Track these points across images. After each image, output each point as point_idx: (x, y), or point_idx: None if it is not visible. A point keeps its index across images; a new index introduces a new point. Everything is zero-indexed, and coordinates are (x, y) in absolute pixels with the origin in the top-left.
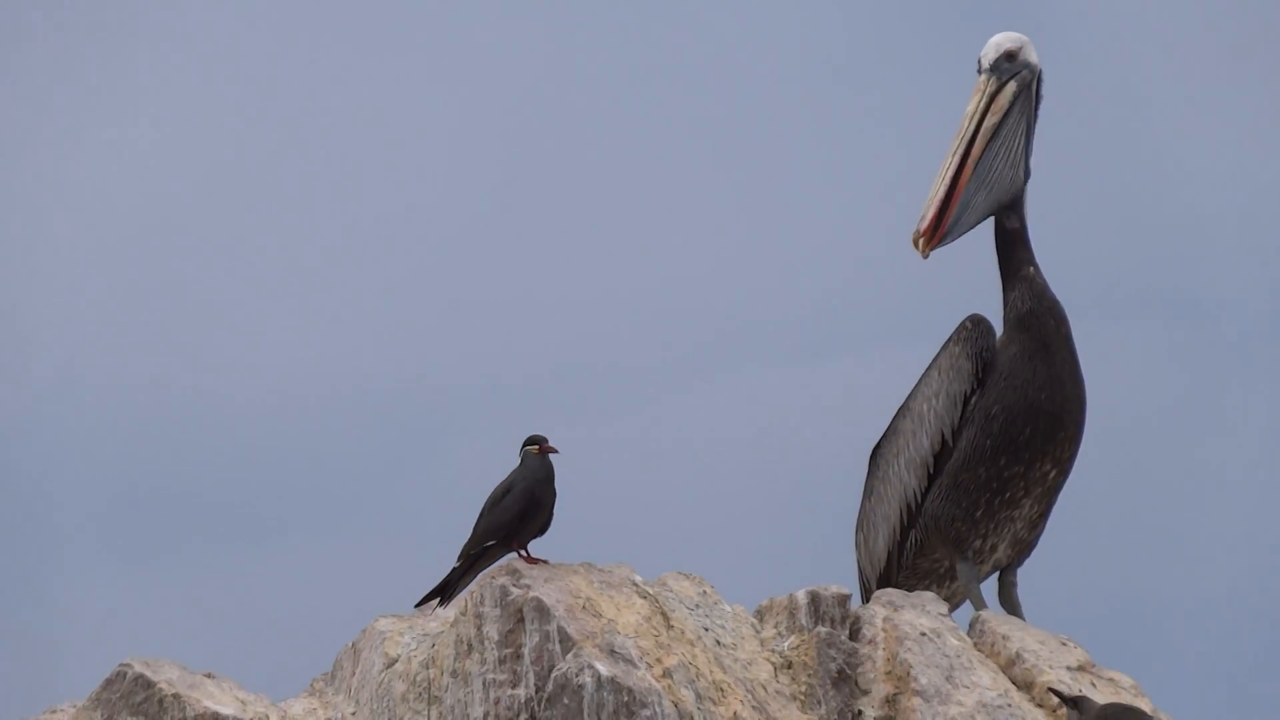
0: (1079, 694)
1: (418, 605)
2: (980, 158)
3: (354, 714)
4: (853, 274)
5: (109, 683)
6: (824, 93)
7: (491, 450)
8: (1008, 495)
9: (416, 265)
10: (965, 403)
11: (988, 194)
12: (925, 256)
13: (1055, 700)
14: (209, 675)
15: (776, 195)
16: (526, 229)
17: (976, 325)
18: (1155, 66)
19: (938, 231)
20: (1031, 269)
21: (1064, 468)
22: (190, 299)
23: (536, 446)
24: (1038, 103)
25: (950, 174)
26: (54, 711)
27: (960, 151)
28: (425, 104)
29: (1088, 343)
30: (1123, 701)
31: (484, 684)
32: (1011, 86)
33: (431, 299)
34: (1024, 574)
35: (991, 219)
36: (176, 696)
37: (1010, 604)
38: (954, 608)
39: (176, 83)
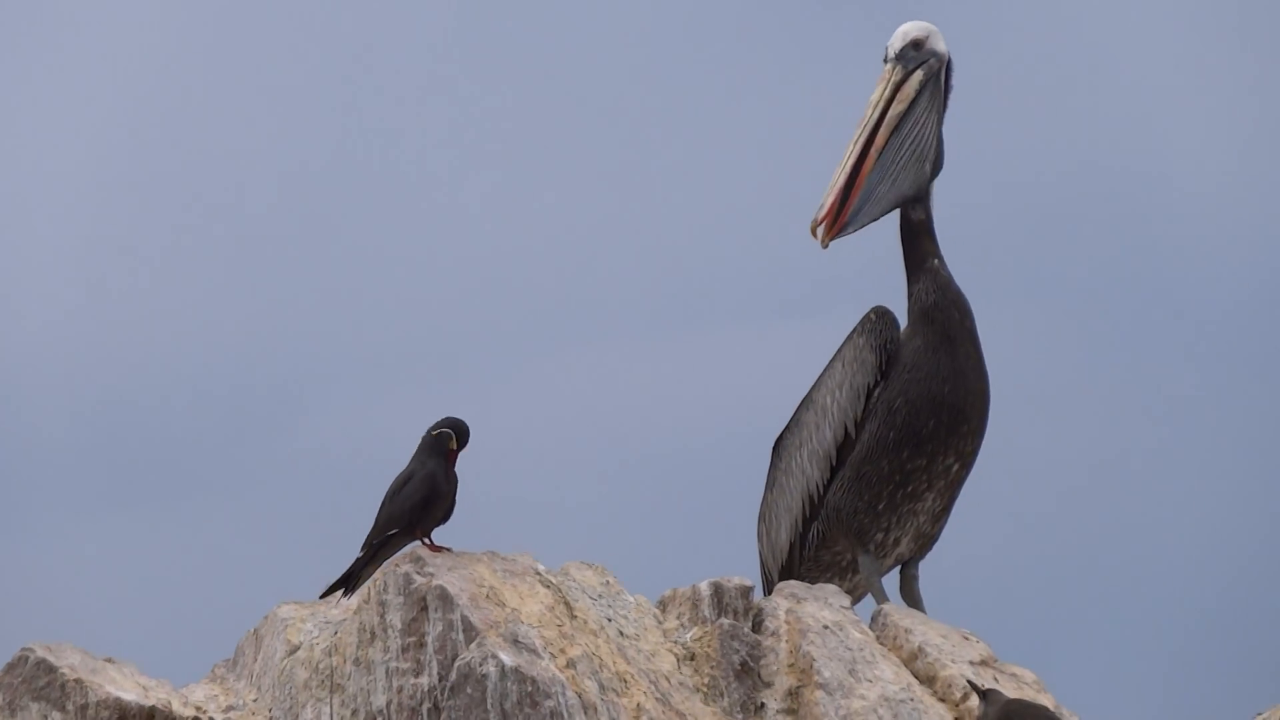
0: (990, 688)
1: (322, 596)
2: (884, 147)
3: (255, 700)
4: (747, 246)
5: (10, 667)
6: (727, 56)
7: (353, 416)
8: (910, 488)
9: (278, 232)
10: (868, 395)
11: (892, 185)
12: (825, 246)
13: (957, 695)
14: (109, 660)
15: (664, 162)
16: (388, 190)
17: (880, 317)
18: (1134, 57)
19: (838, 221)
20: (936, 261)
21: (967, 461)
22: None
23: (452, 445)
24: (947, 93)
25: (851, 163)
26: None
27: (863, 140)
28: (283, 52)
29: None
30: (1025, 697)
31: (387, 672)
32: (918, 75)
33: (296, 265)
34: (925, 567)
35: (896, 210)
36: (79, 682)
37: (912, 597)
38: (856, 600)
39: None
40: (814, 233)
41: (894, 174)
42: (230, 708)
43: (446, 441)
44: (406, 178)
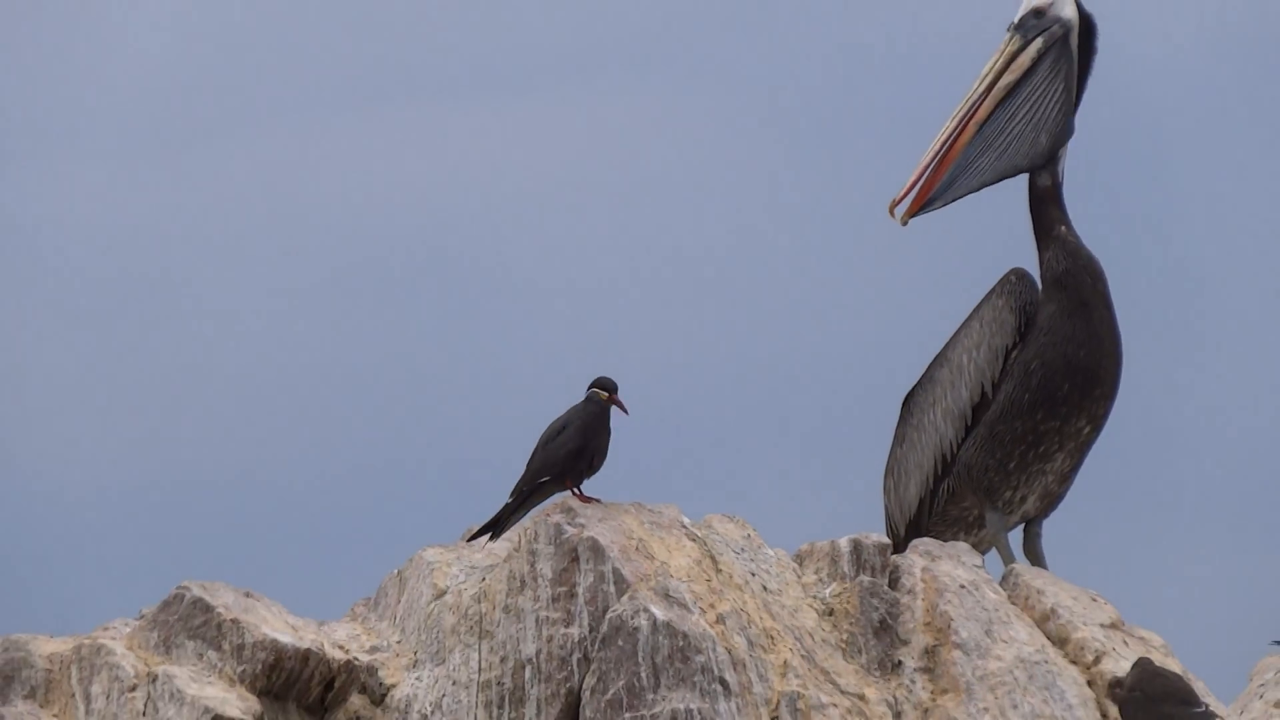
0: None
1: (469, 540)
2: (987, 119)
3: (399, 642)
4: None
5: (166, 604)
6: None
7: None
8: (1041, 449)
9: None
10: (1006, 356)
11: (999, 156)
12: (904, 224)
13: (1089, 658)
14: (249, 594)
15: None
16: None
17: (1020, 279)
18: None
19: (915, 199)
20: (1064, 228)
21: (1098, 424)
22: None
23: (606, 394)
24: (1088, 56)
25: (944, 137)
26: (106, 628)
27: (963, 113)
28: None
29: None
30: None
31: (537, 621)
32: (1037, 43)
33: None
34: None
35: (1025, 176)
36: (235, 621)
37: (1035, 555)
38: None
39: None
40: (891, 213)
41: (1002, 145)
42: (375, 649)
43: (600, 399)
44: None
